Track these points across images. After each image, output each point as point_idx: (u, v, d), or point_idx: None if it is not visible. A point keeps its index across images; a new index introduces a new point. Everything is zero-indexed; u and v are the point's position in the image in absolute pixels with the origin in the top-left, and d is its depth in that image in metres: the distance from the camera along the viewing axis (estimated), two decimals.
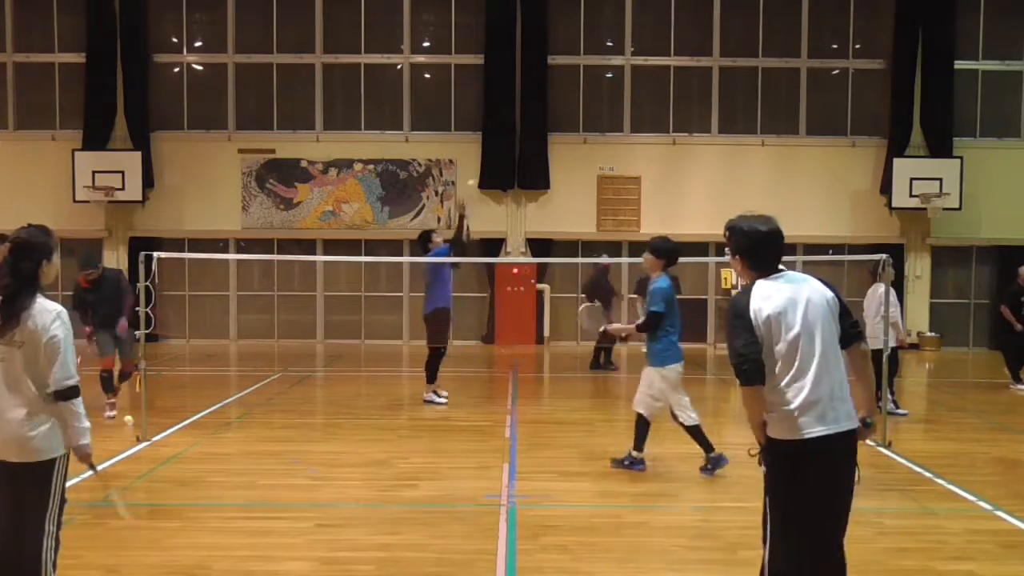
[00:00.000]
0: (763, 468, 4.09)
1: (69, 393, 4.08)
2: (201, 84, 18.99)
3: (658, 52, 18.76)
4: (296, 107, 18.81)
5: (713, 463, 7.65)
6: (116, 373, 10.11)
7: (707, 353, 17.69)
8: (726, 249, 4.21)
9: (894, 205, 17.97)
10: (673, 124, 18.76)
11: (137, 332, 8.99)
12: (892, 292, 9.49)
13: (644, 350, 7.77)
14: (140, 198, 18.01)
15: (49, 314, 4.09)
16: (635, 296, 14.40)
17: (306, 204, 18.65)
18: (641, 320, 7.76)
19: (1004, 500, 6.94)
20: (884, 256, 9.40)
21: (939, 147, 18.17)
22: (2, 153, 18.57)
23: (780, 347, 3.93)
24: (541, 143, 18.34)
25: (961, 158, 17.83)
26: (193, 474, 7.65)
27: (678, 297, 11.64)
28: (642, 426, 7.77)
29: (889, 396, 9.74)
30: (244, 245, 18.72)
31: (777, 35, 18.75)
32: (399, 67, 18.82)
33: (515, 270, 18.15)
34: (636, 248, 17.29)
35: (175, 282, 18.26)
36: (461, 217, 11.14)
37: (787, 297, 3.97)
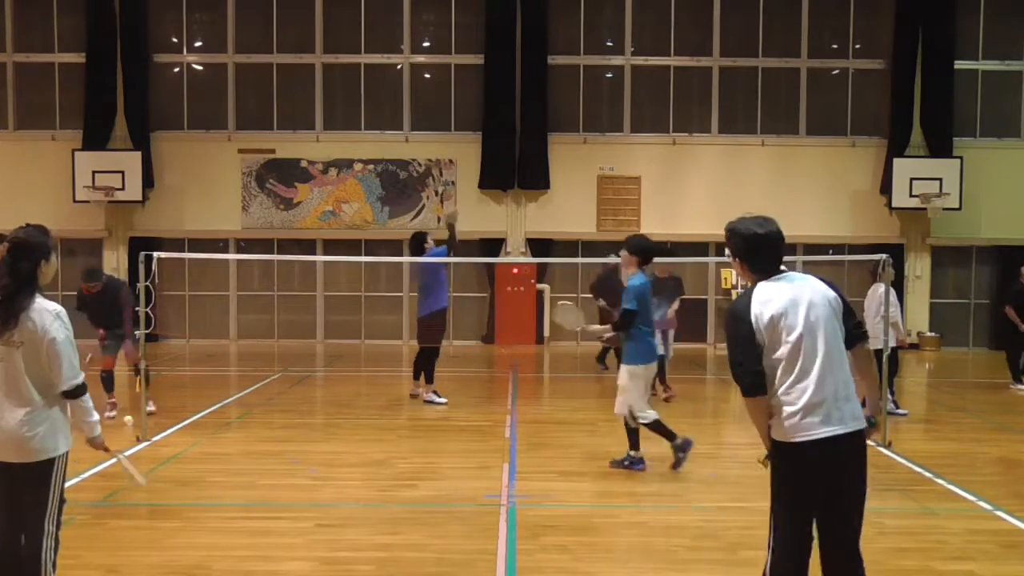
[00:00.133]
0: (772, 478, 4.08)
1: (79, 391, 4.16)
2: (201, 84, 18.99)
3: (658, 52, 18.76)
4: (296, 107, 18.81)
5: (681, 448, 7.67)
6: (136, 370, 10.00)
7: (707, 353, 17.70)
8: (727, 251, 4.21)
9: (894, 205, 17.97)
10: (673, 124, 18.76)
11: (137, 332, 8.98)
12: (892, 292, 9.49)
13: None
14: (140, 198, 18.00)
15: (49, 314, 4.09)
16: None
17: (306, 204, 18.65)
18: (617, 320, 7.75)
19: (1004, 500, 6.94)
20: (884, 256, 9.40)
21: (939, 147, 18.17)
22: (2, 153, 18.57)
23: (782, 349, 3.92)
24: (541, 143, 18.34)
25: (961, 158, 17.83)
26: (193, 474, 7.65)
27: (683, 297, 11.72)
28: (630, 427, 7.79)
29: (889, 396, 9.74)
30: (244, 245, 18.72)
31: (777, 35, 18.75)
32: (399, 67, 18.82)
33: (515, 270, 18.15)
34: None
35: (175, 282, 18.26)
36: (451, 227, 11.21)
37: (788, 298, 3.96)
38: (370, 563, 5.50)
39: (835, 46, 18.86)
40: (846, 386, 3.93)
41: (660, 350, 11.30)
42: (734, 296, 18.22)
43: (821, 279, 4.10)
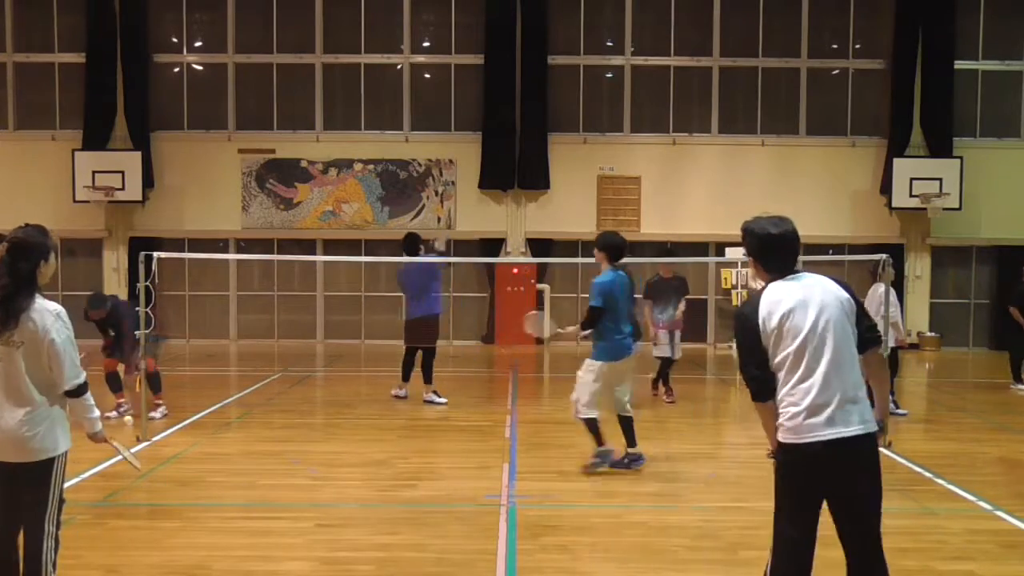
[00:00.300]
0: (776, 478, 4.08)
1: (81, 390, 4.18)
2: (201, 84, 18.99)
3: (658, 52, 18.76)
4: (296, 107, 18.81)
5: (601, 456, 7.64)
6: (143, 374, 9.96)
7: (707, 353, 17.70)
8: (743, 251, 4.22)
9: (894, 205, 17.97)
10: (673, 124, 18.76)
11: (138, 332, 8.98)
12: (892, 292, 9.49)
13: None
14: (140, 198, 18.01)
15: (49, 314, 4.10)
16: (639, 296, 14.35)
17: (306, 204, 18.66)
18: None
19: (1004, 500, 6.94)
20: (884, 256, 9.40)
21: (939, 147, 18.17)
22: (2, 153, 18.57)
23: (789, 349, 3.91)
24: (541, 143, 18.34)
25: (961, 158, 17.83)
26: (193, 474, 7.65)
27: (688, 297, 11.69)
28: (624, 423, 7.80)
29: (889, 396, 9.73)
30: (244, 245, 18.72)
31: (777, 35, 18.75)
32: (399, 67, 18.82)
33: (515, 270, 18.15)
34: (636, 248, 17.38)
35: (175, 282, 18.25)
36: (440, 253, 11.55)
37: (797, 298, 3.94)
38: (370, 563, 5.51)
39: (835, 46, 18.86)
40: (855, 389, 3.89)
41: (666, 352, 11.32)
42: (734, 296, 18.23)
43: (836, 281, 4.06)
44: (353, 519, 6.43)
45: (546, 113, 18.38)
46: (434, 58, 18.94)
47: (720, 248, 17.82)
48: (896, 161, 17.92)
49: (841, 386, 3.86)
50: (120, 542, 5.83)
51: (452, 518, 6.43)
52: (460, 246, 18.25)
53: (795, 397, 3.90)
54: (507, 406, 11.18)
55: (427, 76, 19.06)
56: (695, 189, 18.54)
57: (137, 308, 9.08)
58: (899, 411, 10.54)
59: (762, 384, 3.97)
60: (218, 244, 18.66)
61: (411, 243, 11.34)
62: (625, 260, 14.97)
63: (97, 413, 4.34)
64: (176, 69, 18.93)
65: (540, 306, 18.29)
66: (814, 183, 18.30)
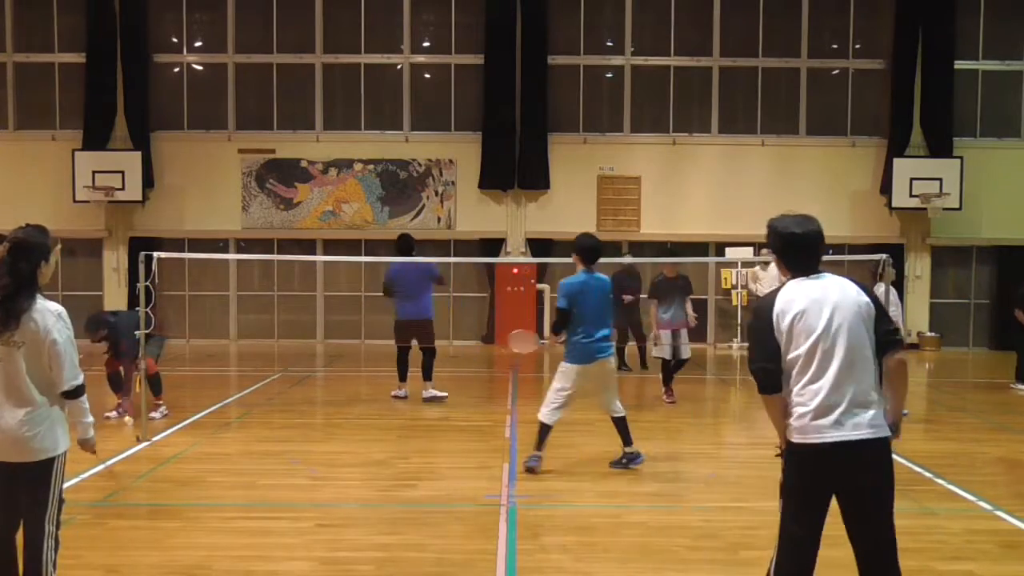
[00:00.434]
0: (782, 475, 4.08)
1: (79, 392, 4.17)
2: (201, 84, 18.99)
3: (658, 52, 18.76)
4: (296, 107, 18.81)
5: (534, 460, 7.63)
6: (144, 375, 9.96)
7: (707, 353, 17.69)
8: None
9: (894, 205, 17.97)
10: (673, 124, 18.76)
11: (137, 332, 8.98)
12: (893, 292, 9.49)
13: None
14: (140, 198, 18.00)
15: (51, 314, 4.10)
16: (644, 296, 14.34)
17: (306, 204, 18.65)
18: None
19: (1004, 500, 6.95)
20: (884, 256, 9.41)
21: (939, 147, 18.17)
22: (2, 153, 18.57)
23: (800, 349, 3.91)
24: (541, 143, 18.34)
25: (961, 158, 17.83)
26: (193, 474, 7.65)
27: (692, 297, 11.67)
28: (617, 424, 7.80)
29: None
30: (244, 245, 18.72)
31: (777, 35, 18.75)
32: (399, 67, 18.82)
33: (515, 270, 18.15)
34: (636, 249, 17.39)
35: (175, 282, 18.26)
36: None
37: (812, 299, 3.94)
38: (370, 563, 5.51)
39: (835, 46, 18.86)
40: (867, 393, 3.88)
41: (666, 353, 11.26)
42: (734, 296, 18.25)
43: (857, 284, 4.04)
44: (353, 519, 6.44)
45: (546, 113, 18.38)
46: (434, 58, 18.94)
47: (720, 248, 17.84)
48: (896, 161, 17.92)
49: (852, 389, 3.85)
50: (120, 542, 5.83)
51: (452, 518, 6.43)
52: (460, 246, 18.29)
53: (804, 397, 3.90)
54: (507, 406, 11.18)
55: (427, 76, 19.05)
56: (695, 189, 18.55)
57: (137, 309, 9.07)
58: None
59: (769, 376, 3.97)
60: (218, 244, 18.66)
61: (405, 243, 11.42)
62: (630, 260, 14.99)
63: (91, 419, 4.31)
64: (176, 69, 18.93)
65: (540, 306, 18.33)
66: (814, 183, 18.29)
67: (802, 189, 18.17)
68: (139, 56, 18.26)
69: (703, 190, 18.49)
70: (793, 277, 4.06)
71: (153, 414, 9.62)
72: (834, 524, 3.98)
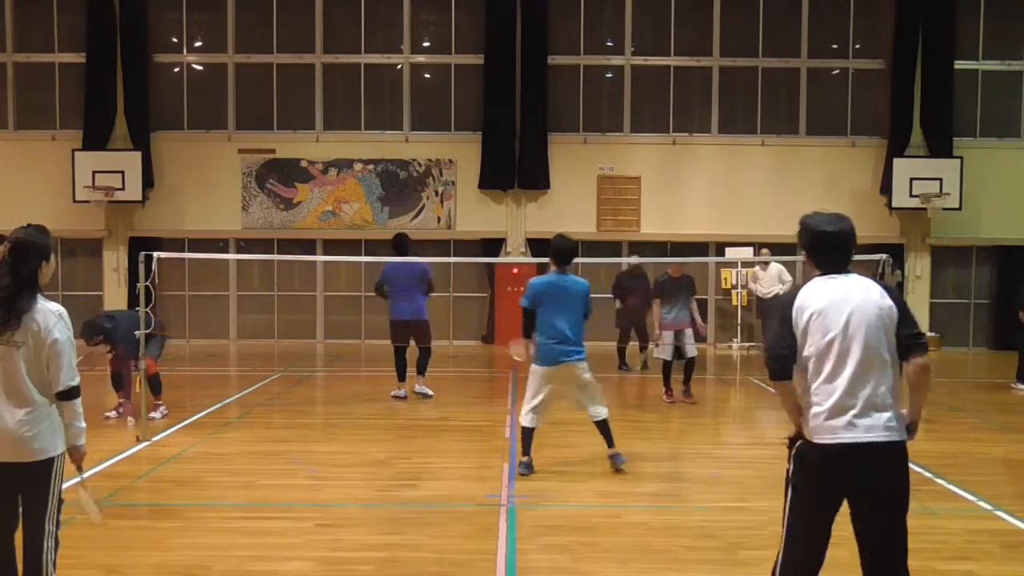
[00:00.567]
0: (788, 466, 4.07)
1: (73, 393, 4.13)
2: (201, 84, 18.99)
3: (658, 52, 18.76)
4: (296, 107, 18.81)
5: (525, 466, 7.59)
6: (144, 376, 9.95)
7: (707, 353, 17.69)
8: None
9: (894, 205, 17.97)
10: (673, 124, 18.76)
11: (137, 332, 8.98)
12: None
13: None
14: (140, 198, 18.00)
15: (52, 315, 4.10)
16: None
17: (306, 204, 18.65)
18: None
19: (1004, 500, 6.95)
20: (884, 256, 9.41)
21: (939, 147, 18.16)
22: (2, 153, 18.57)
23: (815, 347, 3.92)
24: (541, 143, 18.34)
25: (961, 158, 17.83)
26: (193, 474, 7.65)
27: (698, 297, 11.65)
28: (598, 427, 7.76)
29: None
30: (244, 245, 18.72)
31: (777, 35, 18.75)
32: (399, 67, 18.82)
33: (515, 270, 18.14)
34: (636, 248, 17.38)
35: (175, 282, 18.26)
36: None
37: (832, 299, 3.94)
38: (370, 563, 5.51)
39: (835, 46, 18.86)
40: (883, 396, 3.86)
41: (667, 355, 11.22)
42: (734, 296, 18.25)
43: (882, 286, 4.03)
44: (353, 519, 6.44)
45: (546, 113, 18.38)
46: (434, 58, 18.94)
47: (720, 248, 17.84)
48: (896, 161, 17.92)
49: (867, 392, 3.85)
50: (120, 542, 5.83)
51: (452, 518, 6.43)
52: (460, 246, 18.28)
53: (819, 397, 3.91)
54: (507, 406, 11.17)
55: (427, 76, 19.05)
56: (695, 189, 18.54)
57: (136, 309, 9.06)
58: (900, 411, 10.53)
59: (780, 362, 3.99)
60: (218, 244, 18.65)
61: (401, 243, 11.48)
62: (636, 260, 15.00)
63: (84, 425, 4.22)
64: (176, 69, 18.92)
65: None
66: (814, 183, 18.28)
67: (802, 189, 18.17)
68: (139, 56, 18.26)
69: (703, 190, 18.49)
70: (821, 275, 4.07)
71: (153, 414, 9.62)
72: (836, 524, 3.97)
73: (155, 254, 9.23)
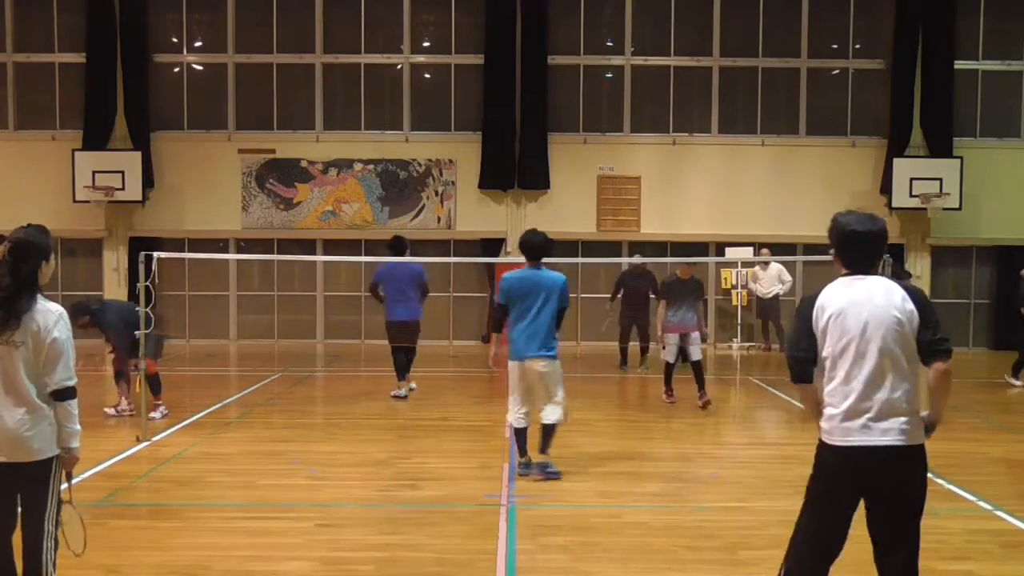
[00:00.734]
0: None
1: (68, 393, 4.10)
2: (201, 84, 18.99)
3: (658, 52, 18.76)
4: (296, 107, 18.80)
5: (524, 467, 7.57)
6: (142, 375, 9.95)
7: (708, 353, 17.66)
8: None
9: (894, 205, 17.96)
10: (673, 124, 18.75)
11: (137, 332, 8.98)
12: None
13: None
14: (140, 198, 18.00)
15: (52, 315, 4.09)
16: (653, 297, 14.40)
17: (306, 204, 18.65)
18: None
19: (1004, 500, 6.95)
20: (884, 256, 9.39)
21: (939, 147, 18.16)
22: (2, 153, 18.56)
23: (833, 349, 3.92)
24: (541, 143, 18.34)
25: (961, 158, 17.83)
26: (193, 474, 7.65)
27: (704, 298, 11.63)
28: (542, 429, 7.55)
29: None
30: (244, 245, 18.71)
31: (777, 35, 18.74)
32: (399, 67, 18.81)
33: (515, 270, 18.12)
34: (636, 248, 17.37)
35: (175, 282, 18.25)
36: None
37: (852, 300, 3.93)
38: (370, 563, 5.51)
39: (835, 46, 18.85)
40: (899, 400, 3.85)
41: (670, 357, 11.16)
42: (734, 296, 18.25)
43: (907, 289, 3.98)
44: (353, 519, 6.44)
45: (546, 113, 18.37)
46: (434, 58, 18.94)
47: (720, 248, 17.84)
48: (896, 161, 17.92)
49: (883, 395, 3.84)
50: (120, 542, 5.83)
51: (452, 518, 6.43)
52: (460, 246, 18.28)
53: (835, 399, 3.92)
54: (507, 406, 11.15)
55: (427, 76, 19.05)
56: (695, 189, 18.54)
57: (137, 309, 9.07)
58: None
59: (800, 365, 4.01)
60: (218, 244, 18.65)
61: (399, 244, 11.61)
62: (639, 260, 15.05)
63: (78, 428, 4.16)
64: (176, 69, 18.92)
65: None
66: (814, 183, 18.29)
67: (802, 189, 18.19)
68: (139, 56, 18.25)
69: (703, 190, 18.49)
70: (847, 275, 4.05)
71: (153, 414, 9.63)
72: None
73: (155, 254, 9.24)
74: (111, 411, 10.00)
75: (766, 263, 17.06)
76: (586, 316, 18.01)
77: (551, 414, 7.54)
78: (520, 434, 7.63)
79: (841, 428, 3.87)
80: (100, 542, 5.76)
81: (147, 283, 8.77)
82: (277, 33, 18.67)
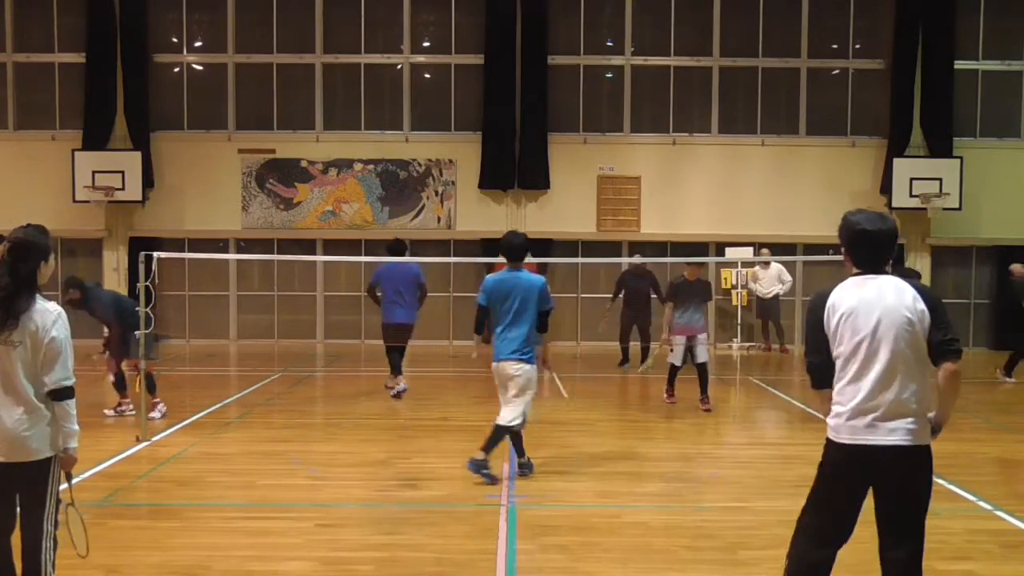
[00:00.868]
0: None
1: (66, 393, 4.09)
2: (201, 84, 18.98)
3: (658, 52, 18.75)
4: (296, 107, 18.80)
5: (524, 467, 7.55)
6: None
7: (708, 353, 17.66)
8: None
9: (894, 205, 17.94)
10: (673, 124, 18.74)
11: (137, 332, 8.98)
12: None
13: None
14: (140, 198, 17.99)
15: (50, 315, 4.09)
16: (655, 297, 14.40)
17: (306, 204, 18.65)
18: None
19: (1004, 500, 6.95)
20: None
21: (939, 147, 18.15)
22: (2, 153, 18.56)
23: (843, 348, 3.93)
24: (541, 143, 18.33)
25: (961, 158, 17.82)
26: (193, 474, 7.65)
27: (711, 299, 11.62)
28: (495, 429, 7.46)
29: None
30: (244, 245, 18.71)
31: (777, 35, 18.73)
32: (399, 67, 18.81)
33: None
34: (636, 248, 17.37)
35: (175, 282, 18.24)
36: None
37: (863, 299, 3.93)
38: (370, 563, 5.51)
39: (835, 46, 18.85)
40: (908, 400, 3.85)
41: (676, 359, 11.12)
42: (734, 296, 18.25)
43: (918, 289, 4.00)
44: (353, 519, 6.44)
45: (546, 113, 18.37)
46: (434, 58, 18.93)
47: (720, 248, 17.84)
48: (896, 161, 17.91)
49: (892, 395, 3.84)
50: (120, 542, 5.83)
51: (452, 518, 6.43)
52: (460, 246, 18.28)
53: (843, 397, 3.93)
54: None
55: (427, 76, 19.05)
56: (695, 189, 18.53)
57: (137, 309, 9.07)
58: None
59: (818, 371, 4.03)
60: (218, 244, 18.65)
61: (398, 246, 11.69)
62: (639, 260, 15.06)
63: (76, 428, 4.15)
64: (176, 69, 18.92)
65: None
66: (814, 183, 18.29)
67: (802, 189, 18.19)
68: (139, 56, 18.25)
69: (703, 190, 18.48)
70: (858, 274, 4.06)
71: (152, 414, 9.63)
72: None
73: (155, 254, 9.24)
74: (110, 412, 10.00)
75: (766, 263, 17.07)
76: (586, 316, 18.02)
77: (510, 416, 7.38)
78: (517, 436, 7.62)
79: (848, 426, 3.87)
80: (100, 542, 5.75)
81: (147, 283, 8.77)
82: (277, 33, 18.66)
